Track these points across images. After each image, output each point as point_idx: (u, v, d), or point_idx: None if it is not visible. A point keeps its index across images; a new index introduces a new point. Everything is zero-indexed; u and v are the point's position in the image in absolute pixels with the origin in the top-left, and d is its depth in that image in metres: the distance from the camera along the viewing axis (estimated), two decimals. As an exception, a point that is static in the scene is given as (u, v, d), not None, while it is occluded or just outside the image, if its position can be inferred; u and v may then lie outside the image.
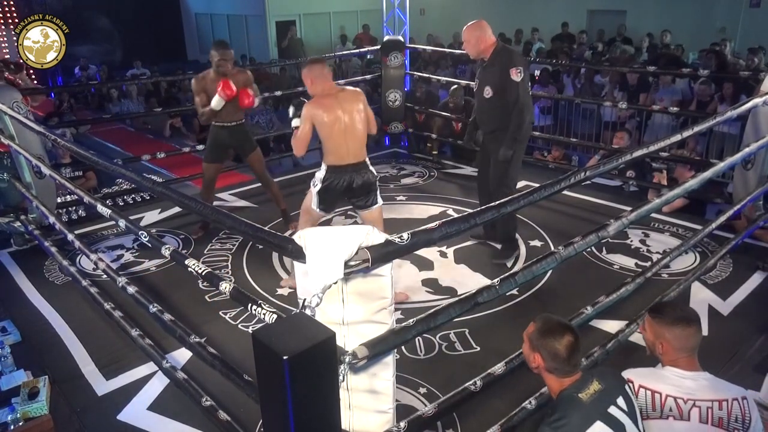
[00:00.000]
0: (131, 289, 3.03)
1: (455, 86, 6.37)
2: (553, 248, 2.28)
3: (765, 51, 8.00)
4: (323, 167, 3.44)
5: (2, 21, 12.00)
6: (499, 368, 2.43)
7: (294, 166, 7.09)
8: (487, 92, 3.93)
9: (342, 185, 3.41)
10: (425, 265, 4.05)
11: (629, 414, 1.82)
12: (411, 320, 1.89)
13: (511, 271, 2.13)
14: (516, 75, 3.79)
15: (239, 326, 3.42)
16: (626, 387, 1.89)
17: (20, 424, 2.63)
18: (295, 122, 3.43)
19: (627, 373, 2.01)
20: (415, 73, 7.20)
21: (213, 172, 4.57)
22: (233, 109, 4.29)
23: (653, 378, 1.96)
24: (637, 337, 2.77)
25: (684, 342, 1.95)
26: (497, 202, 2.11)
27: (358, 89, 3.52)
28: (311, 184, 3.50)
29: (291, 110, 3.47)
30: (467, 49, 4.00)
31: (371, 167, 3.51)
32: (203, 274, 2.13)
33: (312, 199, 3.49)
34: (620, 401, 1.82)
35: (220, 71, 4.19)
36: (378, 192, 3.59)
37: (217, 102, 4.15)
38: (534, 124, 7.53)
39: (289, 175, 6.20)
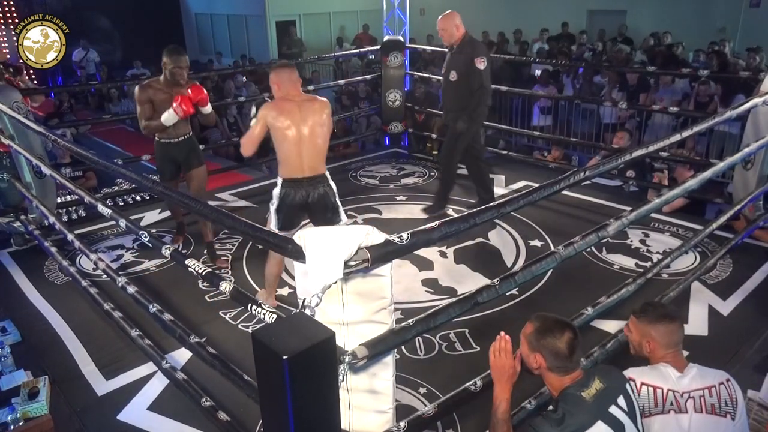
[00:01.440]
0: (131, 289, 3.04)
1: None
2: (553, 248, 2.28)
3: (764, 50, 8.00)
4: (278, 181, 3.24)
5: (2, 21, 11.99)
6: (499, 368, 2.42)
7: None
8: (453, 76, 4.48)
9: (297, 200, 3.19)
10: (425, 265, 4.05)
11: (629, 414, 1.82)
12: (411, 320, 1.89)
13: (511, 271, 2.13)
14: (480, 64, 4.36)
15: (239, 326, 3.41)
16: (627, 386, 1.89)
17: (20, 424, 2.63)
18: (253, 122, 3.24)
19: (628, 372, 2.02)
20: (415, 73, 7.20)
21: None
22: (182, 123, 3.91)
23: (654, 375, 2.00)
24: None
25: (669, 338, 2.00)
26: (497, 203, 2.11)
27: (325, 99, 3.31)
28: (270, 204, 3.30)
29: (253, 109, 3.29)
30: (444, 37, 4.50)
31: (331, 182, 3.30)
32: (203, 274, 2.13)
33: (271, 219, 3.27)
34: (621, 401, 1.82)
35: (173, 81, 3.80)
36: (340, 209, 3.35)
37: (168, 118, 3.76)
38: (533, 123, 7.60)
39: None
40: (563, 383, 1.86)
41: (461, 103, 4.48)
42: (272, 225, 3.25)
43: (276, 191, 3.24)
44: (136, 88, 3.88)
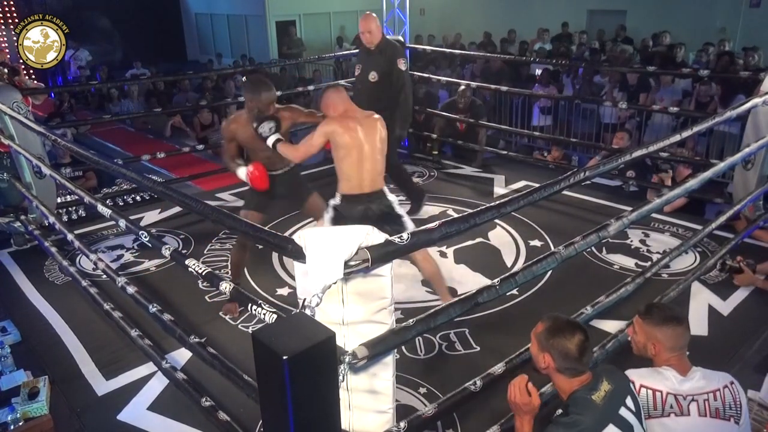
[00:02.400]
0: (131, 289, 3.03)
1: (462, 87, 6.36)
2: (553, 248, 2.28)
3: (763, 50, 8.01)
4: (337, 196, 3.24)
5: (2, 21, 11.99)
6: (499, 368, 2.43)
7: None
8: (373, 77, 4.50)
9: (354, 215, 3.18)
10: (425, 265, 4.04)
11: (636, 414, 1.82)
12: (411, 320, 1.89)
13: (511, 271, 2.13)
14: (402, 64, 4.48)
15: (239, 326, 3.42)
16: (631, 386, 1.89)
17: (20, 424, 2.63)
18: (272, 139, 3.24)
19: (627, 374, 2.02)
20: (415, 73, 7.19)
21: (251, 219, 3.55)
22: (276, 157, 3.43)
23: (653, 378, 1.98)
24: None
25: (675, 341, 1.98)
26: (498, 203, 2.11)
27: (379, 116, 3.26)
28: (325, 212, 3.32)
29: (266, 125, 3.25)
30: (368, 39, 4.50)
31: (389, 195, 3.29)
32: (203, 274, 2.13)
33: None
34: (629, 401, 1.82)
35: (265, 111, 3.39)
36: (404, 219, 3.30)
37: (238, 172, 3.50)
38: (533, 123, 7.60)
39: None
40: (572, 386, 1.84)
41: (383, 104, 4.23)
42: None
43: (333, 203, 3.26)
44: (223, 124, 3.65)
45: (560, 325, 1.87)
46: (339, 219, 3.19)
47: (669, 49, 8.74)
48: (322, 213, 3.52)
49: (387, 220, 3.22)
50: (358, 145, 3.10)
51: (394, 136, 4.33)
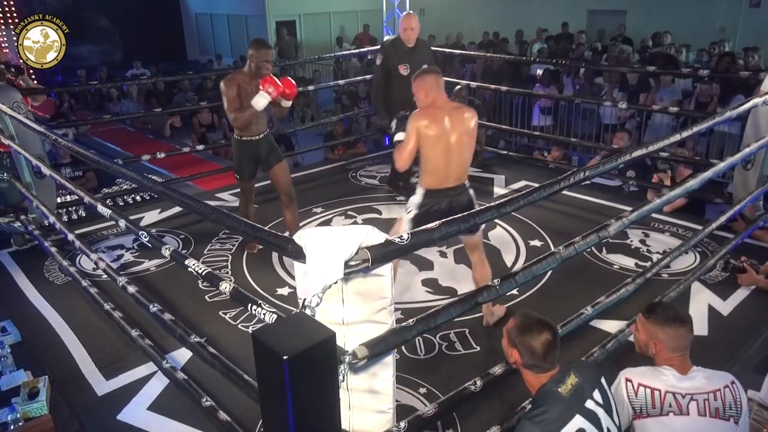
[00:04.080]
0: (131, 289, 3.03)
1: (458, 86, 6.36)
2: (553, 248, 2.28)
3: (762, 50, 8.02)
4: (419, 191, 3.11)
5: (2, 21, 11.99)
6: (499, 368, 2.43)
7: (294, 166, 7.09)
8: (406, 70, 4.68)
9: (436, 210, 3.04)
10: (425, 265, 4.05)
11: (604, 407, 1.84)
12: (411, 320, 1.89)
13: (511, 271, 2.13)
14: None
15: (239, 326, 3.42)
16: (602, 380, 1.91)
17: (20, 424, 2.63)
18: (398, 136, 3.15)
19: (626, 373, 2.02)
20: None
21: (252, 189, 4.22)
22: (261, 119, 3.91)
23: (652, 376, 1.98)
24: (637, 337, 2.78)
25: (677, 342, 1.98)
26: (498, 203, 2.11)
27: (472, 109, 3.15)
28: (404, 210, 3.18)
29: (394, 123, 3.22)
30: (410, 36, 4.80)
31: (470, 189, 3.18)
32: (203, 274, 2.13)
33: (404, 227, 3.10)
34: (596, 395, 1.85)
35: (259, 73, 3.75)
36: None
37: (259, 101, 3.66)
38: (533, 123, 7.60)
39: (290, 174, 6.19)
40: (540, 381, 1.88)
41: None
42: (403, 230, 3.05)
43: (415, 200, 3.12)
44: (222, 82, 3.77)
45: (529, 324, 1.90)
46: (421, 217, 3.03)
47: (670, 48, 8.75)
48: (287, 179, 4.09)
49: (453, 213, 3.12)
50: (445, 137, 2.99)
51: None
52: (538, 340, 1.85)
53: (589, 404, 1.81)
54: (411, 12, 4.89)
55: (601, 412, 1.82)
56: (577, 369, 1.88)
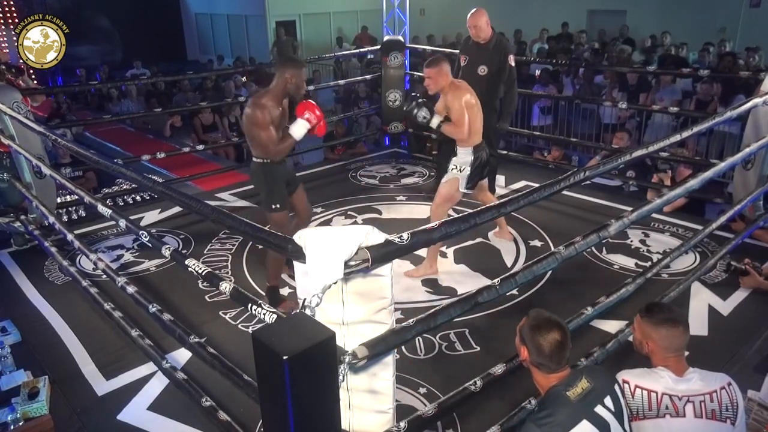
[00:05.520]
0: (131, 289, 3.04)
1: None
2: (553, 248, 2.28)
3: (763, 50, 8.02)
4: (467, 149, 3.80)
5: (2, 21, 11.99)
6: (499, 368, 2.43)
7: (294, 166, 7.08)
8: (482, 70, 4.62)
9: (482, 161, 3.85)
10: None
11: (616, 414, 1.82)
12: (411, 320, 1.89)
13: (511, 272, 2.13)
14: (512, 61, 4.65)
15: (239, 326, 3.42)
16: (615, 387, 1.89)
17: (20, 424, 2.63)
18: (434, 121, 3.77)
19: (623, 374, 2.02)
20: (415, 73, 7.19)
21: (286, 220, 3.60)
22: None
23: (649, 378, 1.98)
24: (637, 337, 2.78)
25: (669, 342, 1.98)
26: (498, 202, 2.11)
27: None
28: (454, 172, 3.82)
29: (424, 111, 3.75)
30: (475, 33, 4.66)
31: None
32: (203, 274, 2.13)
33: (460, 183, 3.82)
34: (607, 401, 1.83)
35: (295, 94, 3.38)
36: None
37: (299, 130, 3.34)
38: (533, 123, 7.61)
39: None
40: (549, 382, 1.87)
41: (487, 96, 4.41)
42: (461, 188, 3.84)
43: (466, 158, 3.80)
44: (258, 111, 3.26)
45: (540, 322, 1.90)
46: (475, 171, 3.83)
47: (672, 49, 8.75)
48: (307, 202, 3.82)
49: (490, 162, 4.04)
50: (477, 104, 3.80)
51: (498, 128, 4.74)
52: (546, 338, 1.85)
53: (599, 410, 1.79)
54: (479, 8, 4.70)
55: (611, 419, 1.80)
56: (590, 374, 1.87)
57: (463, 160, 3.81)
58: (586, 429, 1.75)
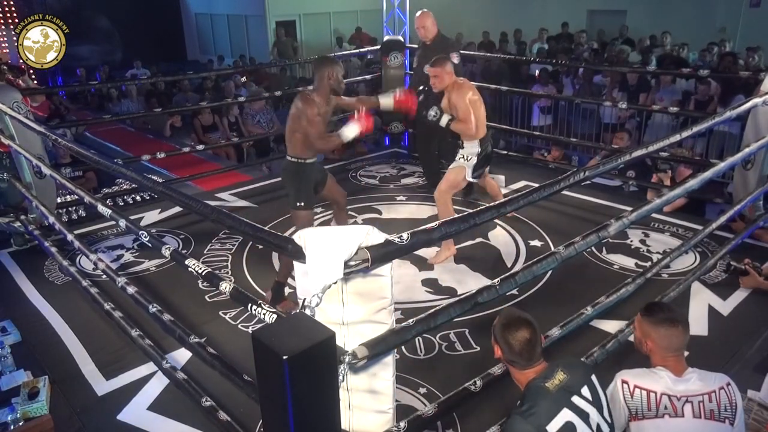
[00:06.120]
0: (131, 290, 3.04)
1: None
2: (553, 248, 2.28)
3: (763, 50, 8.02)
4: (474, 142, 4.03)
5: (2, 21, 11.99)
6: (499, 368, 2.43)
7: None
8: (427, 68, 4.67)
9: (487, 153, 4.11)
10: (425, 265, 4.05)
11: (593, 403, 1.87)
12: (411, 320, 1.89)
13: (511, 272, 2.14)
14: (455, 58, 4.69)
15: (239, 326, 3.42)
16: (593, 377, 1.94)
17: (20, 424, 2.63)
18: (444, 120, 3.99)
19: (622, 374, 2.03)
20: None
21: (311, 219, 3.73)
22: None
23: (647, 378, 1.99)
24: (637, 337, 2.78)
25: (668, 342, 1.99)
26: (498, 202, 2.11)
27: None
28: (461, 161, 4.09)
29: (434, 110, 4.00)
30: (423, 33, 4.92)
31: None
32: (203, 274, 2.13)
33: (466, 172, 4.07)
34: (584, 391, 1.88)
35: (340, 88, 3.55)
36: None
37: (350, 132, 3.45)
38: (533, 123, 7.61)
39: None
40: (526, 377, 1.93)
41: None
42: (468, 177, 4.09)
43: (473, 149, 4.05)
44: (307, 105, 3.38)
45: (510, 321, 1.98)
46: (481, 161, 4.09)
47: (674, 50, 8.75)
48: (339, 191, 3.93)
49: (492, 155, 4.27)
50: (480, 99, 4.02)
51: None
52: (515, 337, 1.93)
53: (576, 399, 1.85)
54: (425, 10, 4.99)
55: (589, 408, 1.85)
56: (566, 366, 1.93)
57: (469, 151, 4.06)
58: (568, 416, 1.81)
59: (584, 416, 1.83)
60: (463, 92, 3.92)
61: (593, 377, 1.93)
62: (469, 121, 3.91)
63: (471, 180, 4.14)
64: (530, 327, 1.95)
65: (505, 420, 1.88)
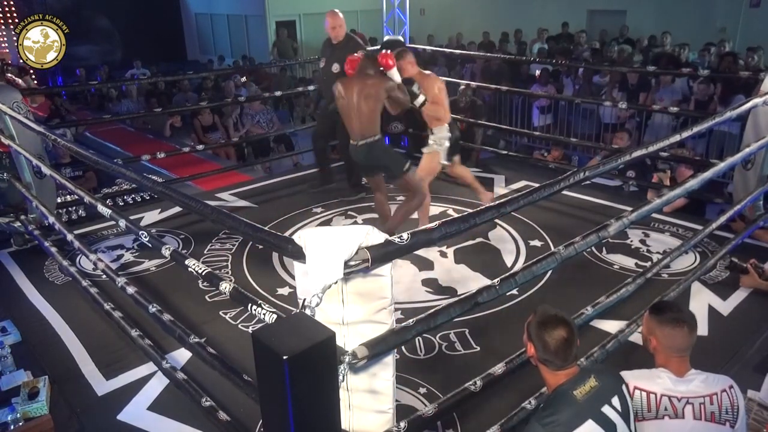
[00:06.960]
0: (131, 290, 3.03)
1: (463, 86, 6.37)
2: (553, 248, 2.28)
3: (763, 50, 8.01)
4: (443, 127, 4.31)
5: (2, 21, 11.99)
6: (499, 368, 2.42)
7: (294, 166, 7.09)
8: (336, 68, 4.91)
9: (456, 136, 4.41)
10: (425, 265, 4.05)
11: (622, 414, 1.82)
12: (411, 320, 1.89)
13: (511, 272, 2.13)
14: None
15: (239, 326, 3.42)
16: (623, 387, 1.89)
17: (20, 424, 2.63)
18: (420, 99, 4.18)
19: (622, 375, 2.02)
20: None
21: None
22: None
23: (648, 379, 1.98)
24: (636, 337, 2.77)
25: (672, 341, 1.97)
26: (498, 202, 2.11)
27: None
28: (435, 146, 4.36)
29: (415, 87, 4.21)
30: (338, 33, 5.17)
31: None
32: (203, 274, 2.13)
33: (441, 156, 4.36)
34: (615, 401, 1.82)
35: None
36: None
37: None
38: (533, 123, 7.61)
39: (290, 175, 6.21)
40: (557, 380, 1.86)
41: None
42: (443, 160, 4.38)
43: (444, 134, 4.33)
44: (378, 89, 3.93)
45: (547, 319, 1.90)
46: (453, 144, 4.41)
47: (673, 50, 8.74)
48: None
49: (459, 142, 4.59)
50: (445, 89, 4.31)
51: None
52: (552, 335, 1.84)
53: (606, 410, 1.79)
54: (334, 10, 5.26)
55: (618, 419, 1.80)
56: (598, 374, 1.87)
57: (440, 135, 4.33)
58: (592, 428, 1.75)
59: (611, 427, 1.78)
60: (432, 80, 4.27)
61: (623, 387, 1.89)
62: (443, 103, 4.24)
63: (444, 163, 4.41)
64: (568, 326, 1.88)
65: (515, 425, 1.83)
